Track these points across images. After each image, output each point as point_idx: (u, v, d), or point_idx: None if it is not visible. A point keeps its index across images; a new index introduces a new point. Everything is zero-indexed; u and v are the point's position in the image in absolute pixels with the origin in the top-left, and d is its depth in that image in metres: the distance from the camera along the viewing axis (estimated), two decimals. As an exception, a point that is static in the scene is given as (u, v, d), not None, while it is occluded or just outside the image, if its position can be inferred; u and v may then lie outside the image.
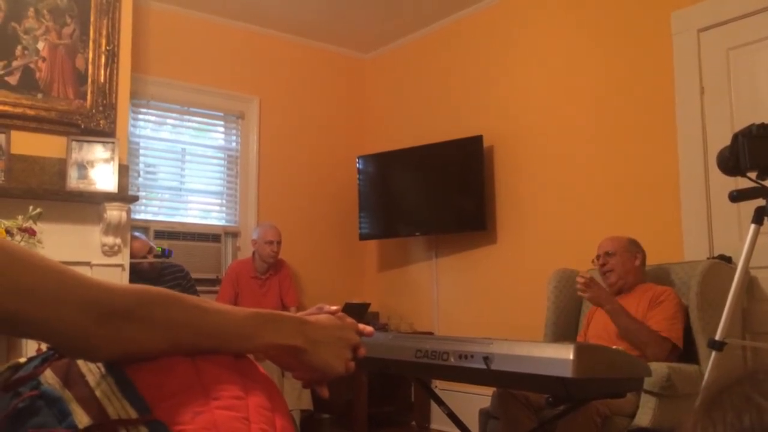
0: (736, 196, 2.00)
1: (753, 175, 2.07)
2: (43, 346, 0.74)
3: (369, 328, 0.95)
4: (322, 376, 0.88)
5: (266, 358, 0.88)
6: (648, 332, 2.68)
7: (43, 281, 0.63)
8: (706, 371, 2.21)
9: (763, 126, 1.91)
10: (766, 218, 2.05)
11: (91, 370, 0.70)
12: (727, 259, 3.01)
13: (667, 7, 3.44)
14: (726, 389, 0.50)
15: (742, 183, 2.27)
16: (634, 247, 2.98)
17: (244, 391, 0.71)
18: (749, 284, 2.98)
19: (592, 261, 3.02)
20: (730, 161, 1.97)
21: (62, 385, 0.70)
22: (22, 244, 3.27)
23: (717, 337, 2.14)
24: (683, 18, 3.37)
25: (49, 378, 0.71)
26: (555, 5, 4.05)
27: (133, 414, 0.65)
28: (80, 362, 0.72)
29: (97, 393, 0.68)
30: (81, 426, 0.64)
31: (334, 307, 0.95)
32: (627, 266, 2.94)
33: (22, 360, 0.79)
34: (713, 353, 2.13)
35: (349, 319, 0.92)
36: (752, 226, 2.12)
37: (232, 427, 0.66)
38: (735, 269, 2.29)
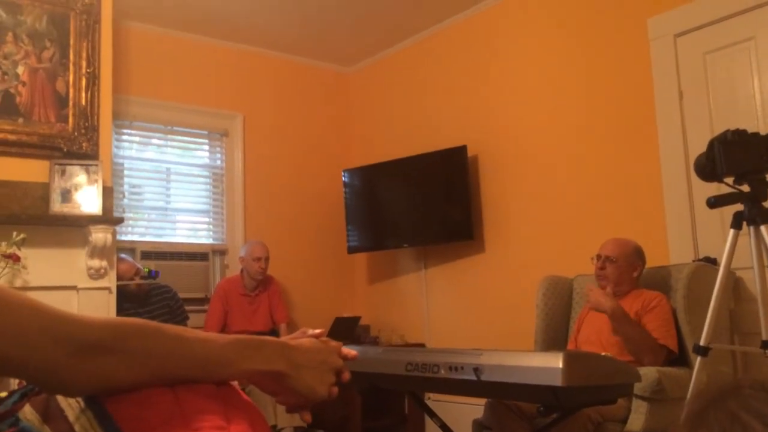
0: (714, 203, 2.02)
1: (730, 180, 2.08)
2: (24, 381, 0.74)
3: (352, 352, 0.94)
4: (305, 400, 0.87)
5: (250, 384, 0.87)
6: (649, 340, 2.67)
7: (15, 317, 0.63)
8: (692, 377, 2.21)
9: (738, 132, 1.93)
10: (744, 223, 2.07)
11: (70, 405, 0.70)
12: (713, 261, 3.03)
13: (643, 14, 3.48)
14: (712, 404, 0.50)
15: (724, 185, 2.29)
16: (636, 258, 2.93)
17: (225, 420, 0.71)
18: (735, 285, 3.00)
19: (592, 259, 2.97)
20: (707, 167, 1.99)
21: (41, 420, 0.69)
22: (6, 270, 3.24)
23: (701, 343, 2.14)
24: (660, 23, 3.41)
25: (28, 414, 0.70)
26: (534, 15, 4.09)
27: (113, 448, 0.65)
28: (59, 397, 0.71)
29: (77, 428, 0.67)
30: (60, 462, 0.64)
31: (317, 331, 0.94)
32: (623, 277, 2.89)
33: (3, 395, 0.78)
34: (698, 359, 2.14)
35: (333, 343, 0.92)
36: (731, 231, 2.14)
37: (214, 457, 0.65)
38: (719, 272, 2.30)
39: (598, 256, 2.94)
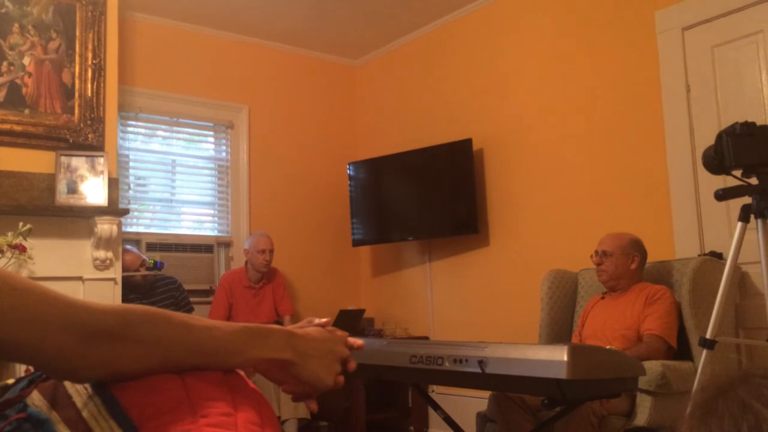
0: (722, 195, 2.00)
1: (738, 173, 2.07)
2: (31, 367, 0.74)
3: (359, 341, 0.94)
4: (311, 389, 0.87)
5: (256, 372, 0.87)
6: (646, 347, 2.67)
7: (24, 303, 0.63)
8: (698, 370, 2.21)
9: (746, 124, 1.92)
10: (752, 216, 2.06)
11: (78, 391, 0.70)
12: (718, 256, 3.02)
13: (650, 7, 3.46)
14: (722, 394, 0.49)
15: (730, 180, 2.29)
16: (632, 250, 2.93)
17: (233, 407, 0.71)
18: (741, 280, 2.99)
19: (591, 256, 2.99)
20: (715, 160, 1.98)
21: (49, 406, 0.69)
22: (13, 260, 3.25)
23: (708, 336, 2.14)
24: (667, 17, 3.39)
25: (36, 400, 0.70)
26: (541, 8, 4.07)
27: (121, 434, 0.65)
28: (67, 383, 0.71)
29: (84, 414, 0.67)
30: (68, 448, 0.64)
31: (324, 320, 0.94)
32: (621, 270, 2.91)
33: (11, 381, 0.78)
34: (704, 351, 2.13)
35: (339, 332, 0.92)
36: (739, 224, 2.13)
37: (221, 444, 0.65)
38: (725, 266, 2.29)
39: (596, 252, 2.97)
